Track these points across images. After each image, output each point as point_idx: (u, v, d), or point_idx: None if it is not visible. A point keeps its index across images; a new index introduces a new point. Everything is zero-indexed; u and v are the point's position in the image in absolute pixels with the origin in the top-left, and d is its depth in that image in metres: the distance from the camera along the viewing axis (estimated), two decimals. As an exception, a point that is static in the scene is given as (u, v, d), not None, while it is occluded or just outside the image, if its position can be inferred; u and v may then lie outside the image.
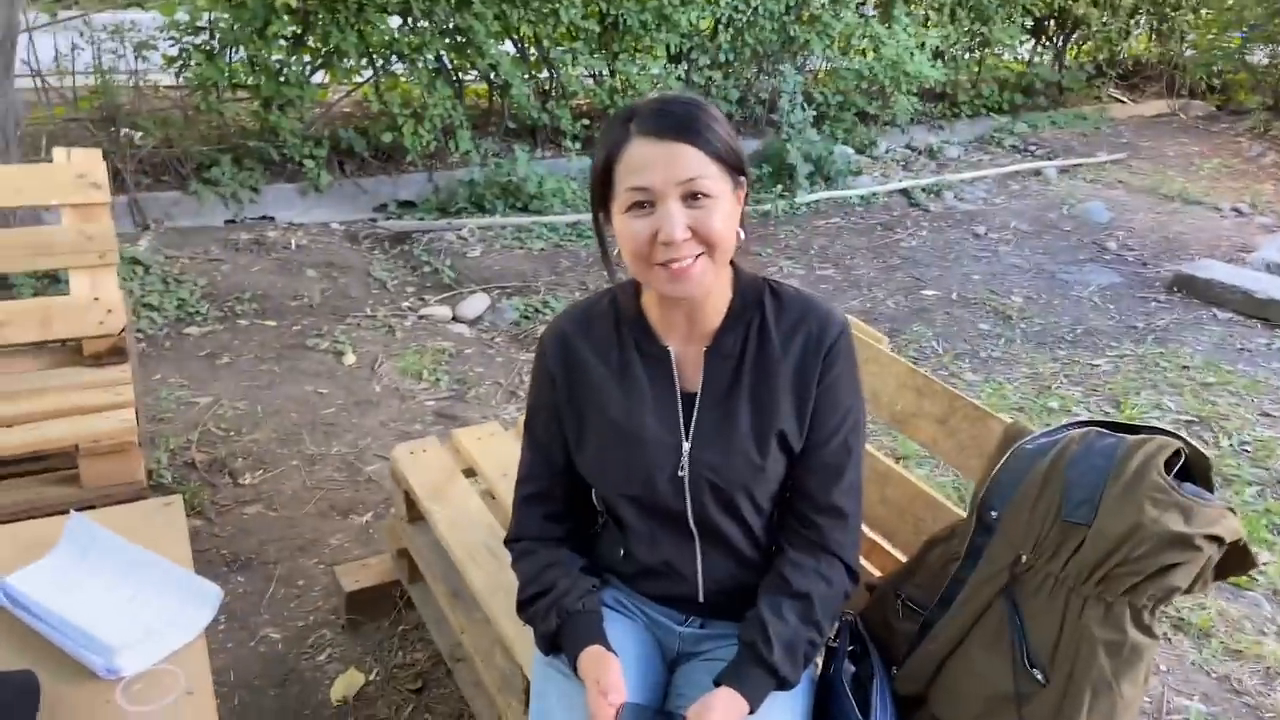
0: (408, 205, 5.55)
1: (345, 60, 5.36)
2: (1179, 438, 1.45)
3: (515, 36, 5.84)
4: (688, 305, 1.43)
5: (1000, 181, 6.79)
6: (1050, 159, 7.34)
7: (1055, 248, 5.57)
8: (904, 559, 1.77)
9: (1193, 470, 1.45)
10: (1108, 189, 6.78)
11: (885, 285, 4.94)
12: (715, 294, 1.44)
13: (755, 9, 6.30)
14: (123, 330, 2.56)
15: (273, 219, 5.20)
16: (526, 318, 4.32)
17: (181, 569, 1.61)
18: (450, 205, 5.45)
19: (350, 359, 3.83)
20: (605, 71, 6.11)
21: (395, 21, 5.41)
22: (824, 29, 6.65)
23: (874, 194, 6.21)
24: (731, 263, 1.47)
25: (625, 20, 5.87)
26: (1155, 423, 3.59)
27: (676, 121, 1.33)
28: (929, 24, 7.58)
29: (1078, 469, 1.46)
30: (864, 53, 7.11)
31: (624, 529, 1.53)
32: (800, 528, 1.48)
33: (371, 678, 2.27)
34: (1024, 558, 1.46)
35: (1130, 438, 1.47)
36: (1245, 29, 8.80)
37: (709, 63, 6.47)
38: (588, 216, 5.49)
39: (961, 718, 1.51)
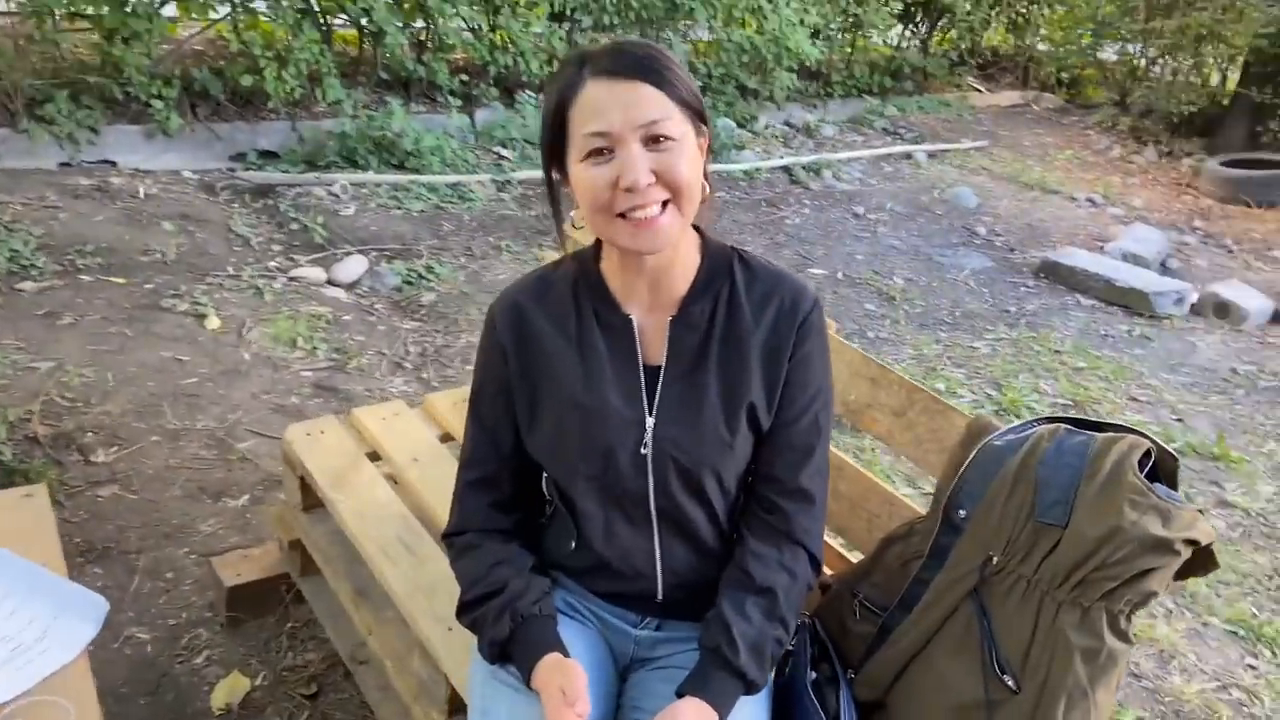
0: (269, 156, 5.15)
1: (201, -7, 4.91)
2: (1146, 437, 1.43)
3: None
4: (652, 271, 1.32)
5: (874, 163, 6.90)
6: (919, 143, 7.52)
7: (929, 230, 5.70)
8: (856, 557, 1.71)
9: (1159, 470, 1.43)
10: (973, 175, 7.00)
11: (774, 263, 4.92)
12: (681, 260, 1.34)
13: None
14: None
15: (115, 164, 4.73)
16: (409, 283, 4.06)
17: (55, 575, 1.38)
18: (318, 158, 5.09)
19: (213, 323, 3.50)
20: (485, 26, 5.83)
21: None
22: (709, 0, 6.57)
23: (757, 169, 6.20)
24: (699, 230, 1.38)
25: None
26: (1035, 405, 3.73)
27: (634, 61, 1.21)
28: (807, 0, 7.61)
29: (1049, 467, 1.42)
30: (745, 24, 7.07)
31: (577, 517, 1.39)
32: (763, 513, 1.38)
33: (258, 682, 2.05)
34: (994, 559, 1.41)
35: (1100, 436, 1.43)
36: (1095, 26, 9.25)
37: (592, 24, 6.28)
38: (470, 177, 5.26)
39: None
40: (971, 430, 1.54)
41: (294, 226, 4.41)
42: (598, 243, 1.38)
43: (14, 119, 4.46)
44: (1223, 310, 4.84)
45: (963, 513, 1.46)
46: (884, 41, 9.12)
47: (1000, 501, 1.42)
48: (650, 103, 1.19)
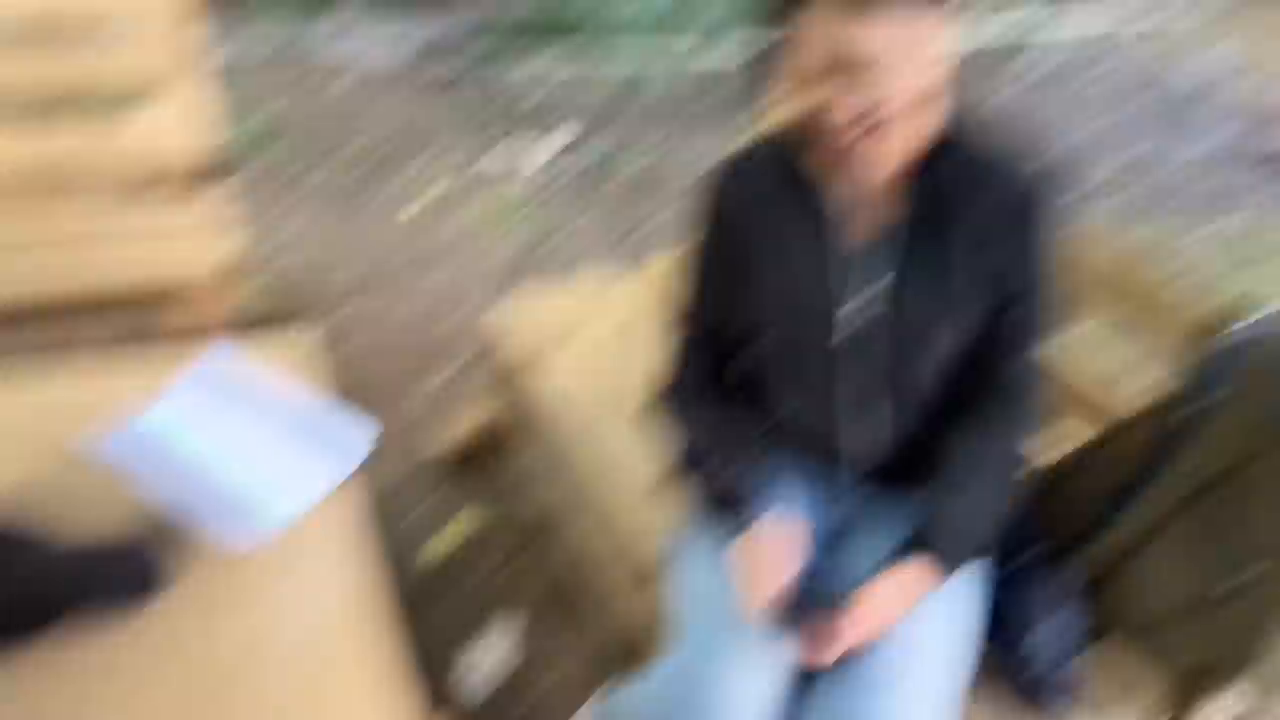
0: (461, 41, 5.22)
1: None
2: None
3: None
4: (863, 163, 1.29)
5: (1087, 36, 6.35)
6: (1137, 15, 6.86)
7: (1151, 110, 5.25)
8: (1076, 443, 1.67)
9: None
10: (1211, 48, 6.32)
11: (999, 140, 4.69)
12: (896, 148, 1.29)
13: None
14: (217, 152, 2.34)
15: (310, 55, 4.92)
16: (602, 163, 4.10)
17: (327, 402, 1.49)
18: (507, 44, 5.13)
19: (412, 209, 3.66)
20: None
21: None
22: None
23: (973, 40, 5.83)
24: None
25: None
26: (1269, 299, 3.44)
27: None
28: None
29: None
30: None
31: (783, 386, 1.41)
32: (981, 392, 1.36)
33: (471, 534, 2.21)
34: (1232, 461, 1.34)
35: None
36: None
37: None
38: (661, 58, 5.16)
39: (1153, 616, 1.42)
40: (1208, 322, 1.46)
41: (489, 111, 4.50)
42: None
43: (230, 7, 4.69)
44: None
45: (1197, 408, 1.39)
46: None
47: (1237, 401, 1.34)
48: (886, 32, 1.13)
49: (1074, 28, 6.61)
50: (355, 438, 1.43)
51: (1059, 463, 1.58)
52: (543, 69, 4.97)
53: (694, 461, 1.42)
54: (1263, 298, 3.28)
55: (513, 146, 4.23)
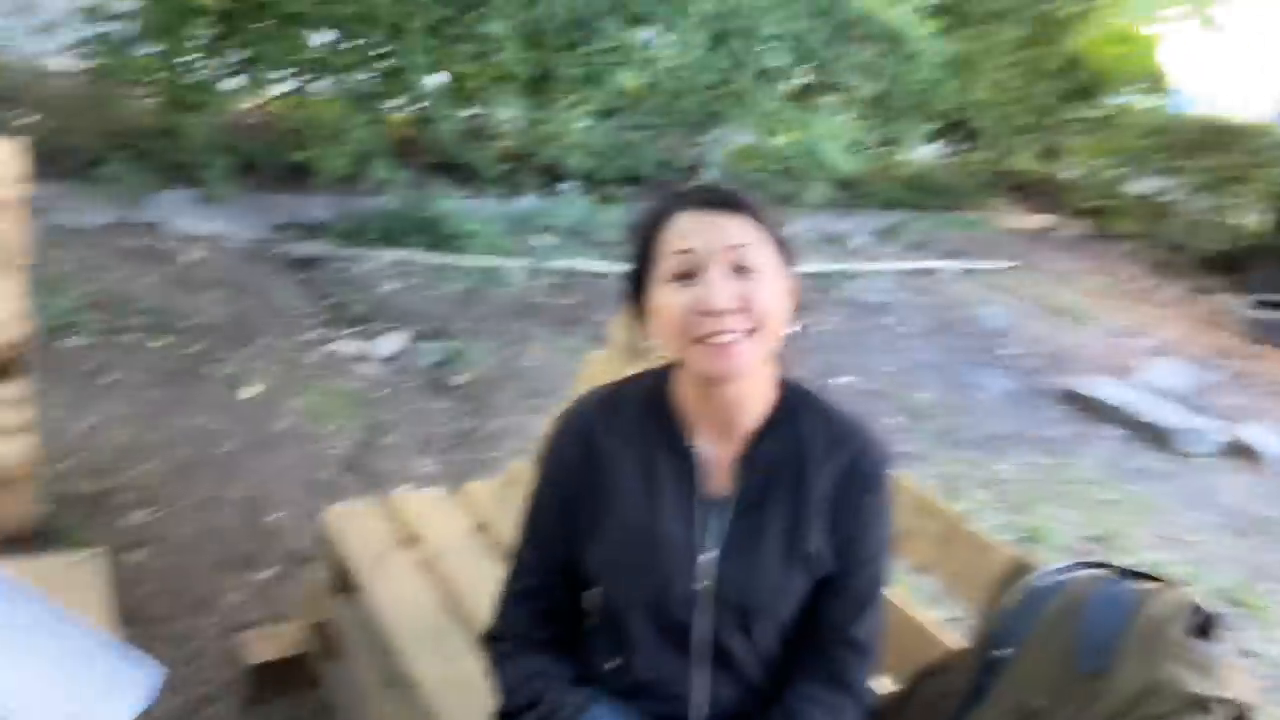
0: (314, 228, 5.27)
1: (266, 70, 5.11)
2: (1185, 590, 1.43)
3: (448, 71, 5.70)
4: (723, 403, 1.31)
5: (903, 276, 6.99)
6: (948, 259, 7.62)
7: (956, 347, 5.75)
8: (888, 690, 1.70)
9: (1203, 626, 1.44)
10: (1001, 295, 7.07)
11: (800, 371, 4.96)
12: (755, 395, 1.33)
13: (683, 80, 6.33)
14: (26, 341, 2.26)
15: (162, 225, 4.85)
16: (443, 363, 4.12)
17: (111, 639, 1.39)
18: (361, 234, 5.21)
19: (250, 391, 3.55)
20: (534, 118, 6.01)
21: (324, 37, 5.20)
22: (748, 108, 6.75)
23: (787, 274, 6.27)
24: (777, 367, 1.37)
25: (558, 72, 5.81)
26: (1058, 535, 3.71)
27: (728, 194, 1.25)
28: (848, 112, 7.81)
29: (1091, 615, 1.42)
30: (781, 133, 7.24)
31: (623, 639, 1.39)
32: (816, 659, 1.37)
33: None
34: (1032, 704, 1.40)
35: (1145, 586, 1.44)
36: (1124, 158, 9.44)
37: (633, 125, 6.47)
38: (508, 262, 5.36)
39: None
40: (1012, 568, 1.55)
41: (334, 299, 4.50)
42: (670, 366, 1.38)
43: (71, 176, 4.60)
44: (1250, 452, 4.83)
45: (1001, 653, 1.45)
46: (916, 158, 9.33)
47: (1039, 646, 1.41)
48: (740, 230, 1.22)
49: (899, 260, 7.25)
50: (138, 682, 1.32)
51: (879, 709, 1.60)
52: (399, 258, 5.04)
53: (508, 718, 1.36)
54: (1047, 534, 3.56)
55: (361, 334, 4.21)
